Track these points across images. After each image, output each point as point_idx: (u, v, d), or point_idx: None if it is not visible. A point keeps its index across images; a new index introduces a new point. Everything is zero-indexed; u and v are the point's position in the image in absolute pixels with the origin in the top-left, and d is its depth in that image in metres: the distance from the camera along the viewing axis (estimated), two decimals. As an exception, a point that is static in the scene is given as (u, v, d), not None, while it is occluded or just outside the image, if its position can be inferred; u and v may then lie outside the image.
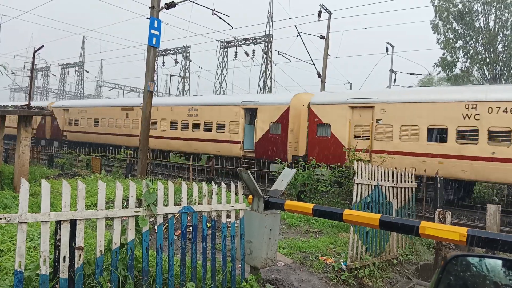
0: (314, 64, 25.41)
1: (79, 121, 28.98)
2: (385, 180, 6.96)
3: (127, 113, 24.64)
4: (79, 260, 3.23)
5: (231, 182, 4.88)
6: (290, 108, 17.03)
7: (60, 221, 3.17)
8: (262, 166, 17.60)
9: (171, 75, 51.05)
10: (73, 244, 3.22)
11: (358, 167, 6.39)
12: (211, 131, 19.86)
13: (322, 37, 25.03)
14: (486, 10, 28.61)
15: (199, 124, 20.54)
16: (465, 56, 30.00)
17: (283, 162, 14.58)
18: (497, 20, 28.28)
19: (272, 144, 17.27)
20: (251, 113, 18.91)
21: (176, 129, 21.66)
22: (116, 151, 23.52)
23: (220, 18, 17.12)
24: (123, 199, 3.69)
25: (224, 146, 19.15)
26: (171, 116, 22.05)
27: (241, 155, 18.47)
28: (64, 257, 3.15)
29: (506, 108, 11.81)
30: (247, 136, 18.71)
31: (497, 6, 27.82)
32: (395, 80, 33.61)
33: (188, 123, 21.05)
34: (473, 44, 29.69)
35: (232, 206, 4.62)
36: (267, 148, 17.54)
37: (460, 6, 28.92)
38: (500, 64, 29.02)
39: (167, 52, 48.37)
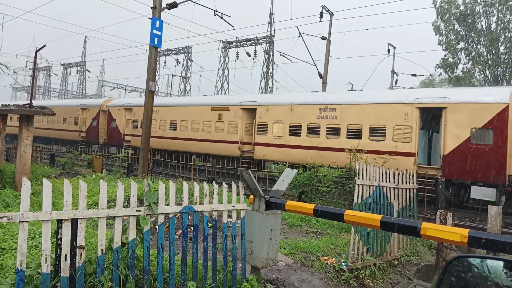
0: (315, 65, 25.46)
1: None
2: (386, 181, 6.96)
3: (220, 113, 19.78)
4: (80, 259, 3.24)
5: (232, 182, 4.89)
6: (509, 108, 12.41)
7: (61, 220, 3.18)
8: (456, 190, 12.93)
9: (172, 75, 51.13)
10: (74, 243, 3.23)
11: (359, 167, 6.39)
12: (359, 138, 14.79)
13: (323, 38, 25.06)
14: (488, 12, 28.61)
15: (339, 128, 15.53)
16: (467, 58, 30.05)
17: (499, 184, 11.59)
18: (499, 22, 28.31)
19: (476, 159, 12.51)
20: (428, 115, 14.33)
21: (300, 135, 16.64)
22: (204, 160, 19.87)
23: (221, 18, 17.15)
24: (124, 198, 3.70)
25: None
26: (290, 117, 17.04)
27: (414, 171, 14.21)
28: (66, 256, 3.16)
29: None
30: (423, 147, 14.31)
31: (499, 8, 27.82)
32: (396, 81, 33.63)
33: (320, 127, 16.05)
34: (474, 46, 29.71)
35: (233, 206, 4.63)
36: (465, 164, 12.75)
37: (462, 7, 28.94)
38: (502, 66, 29.04)
39: (168, 52, 48.47)
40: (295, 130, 16.87)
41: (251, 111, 18.77)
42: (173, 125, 22.34)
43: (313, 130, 16.28)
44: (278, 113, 17.49)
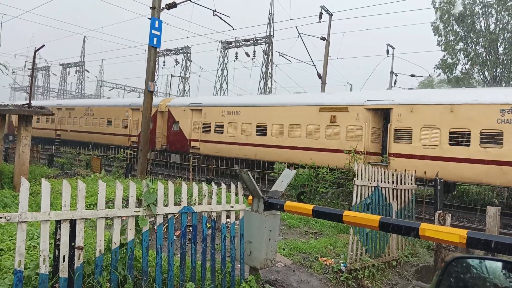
0: (314, 65, 25.46)
1: (225, 127, 19.76)
2: (385, 182, 6.96)
3: (333, 116, 15.90)
4: (78, 259, 3.23)
5: (231, 182, 4.89)
6: None
7: (60, 220, 3.17)
8: None
9: (171, 76, 51.20)
10: (72, 244, 3.22)
11: (358, 168, 6.39)
12: None
13: (322, 38, 25.07)
14: (487, 13, 28.68)
15: None
16: (466, 58, 30.10)
17: None
18: (498, 23, 28.36)
19: None
20: None
21: (468, 145, 12.68)
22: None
23: (221, 18, 17.16)
24: (123, 199, 3.69)
25: None
26: (450, 121, 13.12)
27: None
28: (64, 256, 3.15)
29: None
30: None
31: (498, 8, 27.89)
32: (395, 82, 33.69)
33: (503, 134, 12.16)
34: (473, 46, 29.76)
35: (232, 207, 4.62)
36: None
37: (461, 8, 28.99)
38: (501, 66, 29.11)
39: (167, 52, 48.47)
40: (459, 138, 13.00)
41: (380, 113, 15.31)
42: (261, 130, 18.38)
43: (492, 139, 12.39)
44: (429, 115, 13.60)
